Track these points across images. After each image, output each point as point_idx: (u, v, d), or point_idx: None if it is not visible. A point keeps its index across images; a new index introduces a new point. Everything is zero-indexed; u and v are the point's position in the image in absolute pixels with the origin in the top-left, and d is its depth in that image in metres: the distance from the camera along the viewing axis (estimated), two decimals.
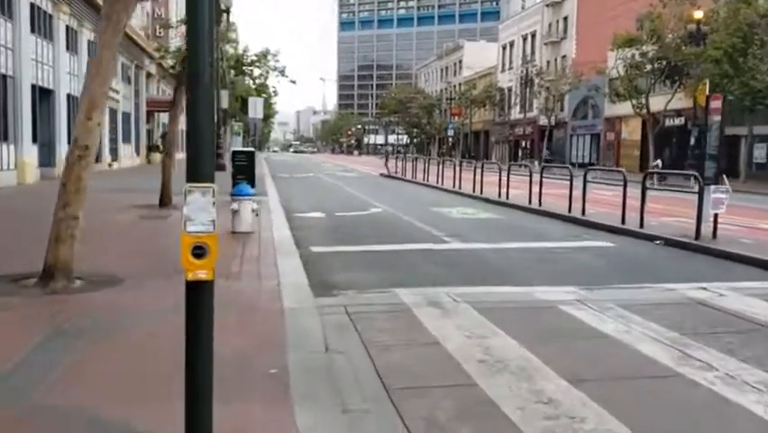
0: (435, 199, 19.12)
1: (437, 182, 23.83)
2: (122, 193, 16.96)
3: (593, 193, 14.62)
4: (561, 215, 14.08)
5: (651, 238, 10.85)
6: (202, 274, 2.86)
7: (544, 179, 15.80)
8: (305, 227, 12.05)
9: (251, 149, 14.36)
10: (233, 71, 45.71)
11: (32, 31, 19.03)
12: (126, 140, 34.19)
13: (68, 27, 22.48)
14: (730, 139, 36.16)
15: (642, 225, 11.51)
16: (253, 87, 47.96)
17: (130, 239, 9.86)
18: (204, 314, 2.87)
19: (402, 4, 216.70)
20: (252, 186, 14.21)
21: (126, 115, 34.19)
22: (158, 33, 39.92)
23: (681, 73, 37.01)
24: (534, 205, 15.54)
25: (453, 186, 21.72)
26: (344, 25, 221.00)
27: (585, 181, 13.98)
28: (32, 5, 18.88)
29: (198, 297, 2.87)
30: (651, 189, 13.05)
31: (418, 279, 7.52)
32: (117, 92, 31.92)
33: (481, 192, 19.14)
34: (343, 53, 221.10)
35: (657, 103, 38.49)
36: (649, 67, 37.90)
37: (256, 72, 47.03)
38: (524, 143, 65.05)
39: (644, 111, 38.41)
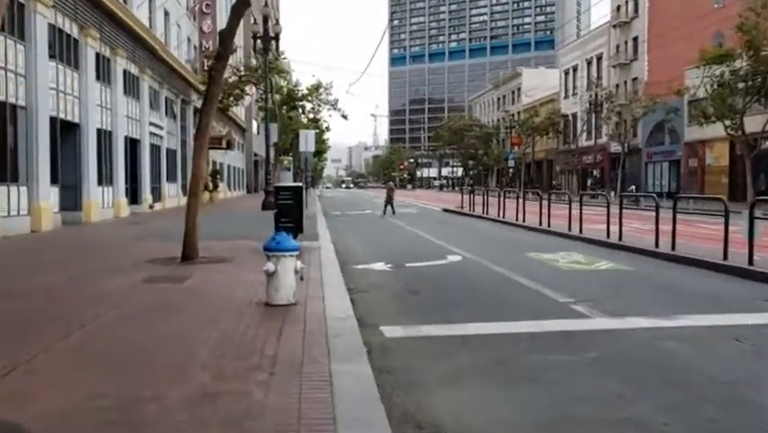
0: (523, 241, 15.65)
1: (516, 219, 20.33)
2: (146, 241, 14.14)
3: (707, 228, 10.84)
4: (710, 263, 10.43)
5: None
6: None
7: (626, 210, 12.29)
8: (368, 289, 8.82)
9: (298, 183, 11.24)
10: (284, 106, 43.70)
11: (52, 57, 16.70)
12: (171, 179, 31.99)
13: (98, 54, 20.22)
14: None
15: None
16: (305, 121, 45.86)
17: (106, 333, 6.79)
18: None
19: (453, 37, 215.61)
20: (299, 231, 11.13)
21: (171, 153, 32.07)
22: (205, 67, 38.03)
23: None
24: (664, 248, 11.92)
25: (540, 223, 18.20)
26: (395, 60, 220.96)
27: (674, 212, 10.31)
28: (53, 27, 16.59)
29: None
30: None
31: (590, 416, 4.11)
32: (161, 127, 29.86)
33: (580, 231, 15.56)
34: (395, 88, 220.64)
35: (752, 124, 34.15)
36: (741, 85, 33.66)
37: (308, 106, 45.03)
38: (594, 172, 60.71)
39: (739, 133, 34.00)
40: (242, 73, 32.10)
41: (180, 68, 32.26)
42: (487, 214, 23.69)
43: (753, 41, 31.15)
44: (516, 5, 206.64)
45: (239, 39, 49.89)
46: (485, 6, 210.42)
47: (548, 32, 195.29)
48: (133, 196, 24.21)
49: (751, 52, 31.92)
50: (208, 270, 9.47)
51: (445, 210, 30.03)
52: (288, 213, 11.27)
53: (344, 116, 39.36)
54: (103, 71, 20.92)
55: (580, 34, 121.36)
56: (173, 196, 32.00)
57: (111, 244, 13.72)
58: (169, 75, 30.38)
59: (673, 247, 11.68)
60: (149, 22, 26.68)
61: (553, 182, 68.41)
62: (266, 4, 28.28)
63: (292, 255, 6.80)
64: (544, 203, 19.22)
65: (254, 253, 11.53)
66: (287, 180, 23.76)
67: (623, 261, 11.38)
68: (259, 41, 28.79)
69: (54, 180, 16.88)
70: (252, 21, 29.71)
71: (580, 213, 16.15)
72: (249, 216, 24.02)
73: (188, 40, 37.14)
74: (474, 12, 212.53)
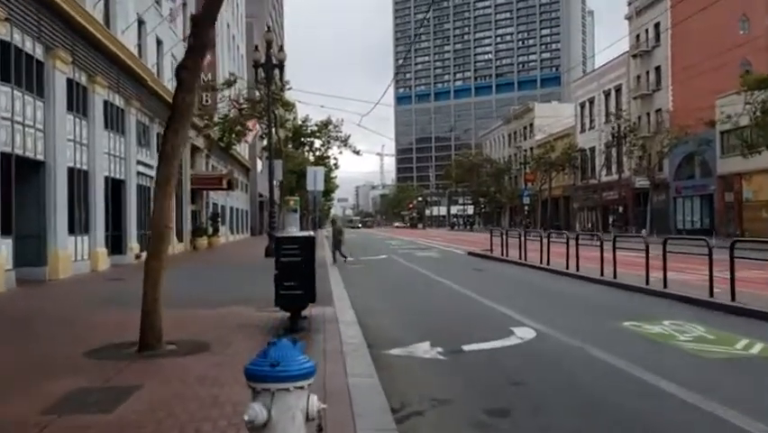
0: (597, 300, 12.30)
1: (567, 266, 16.95)
2: (111, 308, 10.85)
3: None
4: None
5: None
6: None
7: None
8: (424, 405, 5.47)
9: (309, 233, 7.92)
10: (290, 144, 40.91)
11: (5, 80, 13.71)
12: None
13: (70, 81, 17.25)
14: None
15: None
16: (312, 159, 43.01)
17: None
18: None
19: (459, 75, 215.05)
20: (310, 300, 7.89)
21: None
22: (204, 101, 35.27)
23: None
24: None
25: (602, 273, 14.82)
26: (401, 99, 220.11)
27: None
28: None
29: None
30: None
31: None
32: (151, 167, 26.81)
33: (665, 285, 12.18)
34: (401, 126, 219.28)
35: None
36: None
37: (317, 143, 42.22)
38: (618, 208, 57.32)
39: None
40: (244, 106, 29.22)
41: None
42: (525, 259, 20.31)
43: None
44: (521, 43, 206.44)
45: (239, 69, 47.35)
46: (489, 45, 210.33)
47: (554, 69, 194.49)
48: (116, 244, 20.98)
49: None
50: (169, 373, 6.15)
51: (471, 254, 26.62)
52: (294, 274, 7.99)
53: (356, 152, 36.52)
54: (77, 101, 17.92)
55: (586, 70, 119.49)
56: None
57: (59, 315, 10.43)
58: (161, 109, 27.43)
59: None
60: (138, 49, 23.86)
61: (564, 222, 65.11)
62: (268, 30, 25.49)
63: (301, 387, 3.49)
64: (588, 246, 16.20)
65: (248, 331, 8.23)
66: (293, 224, 20.57)
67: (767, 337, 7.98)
68: (261, 69, 25.95)
69: (6, 230, 13.67)
70: (254, 48, 26.91)
71: (647, 259, 12.90)
72: (250, 265, 20.77)
73: None
74: (479, 50, 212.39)
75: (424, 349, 7.72)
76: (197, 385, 5.63)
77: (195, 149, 35.64)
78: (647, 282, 12.90)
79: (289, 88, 34.38)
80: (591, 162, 62.26)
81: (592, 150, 61.98)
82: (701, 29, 47.99)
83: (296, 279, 7.96)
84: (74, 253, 17.39)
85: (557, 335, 8.54)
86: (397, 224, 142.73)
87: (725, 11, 46.79)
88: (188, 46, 7.33)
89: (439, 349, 7.69)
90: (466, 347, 7.81)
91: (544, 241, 18.98)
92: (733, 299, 10.11)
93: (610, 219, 58.32)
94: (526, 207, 68.53)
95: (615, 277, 14.24)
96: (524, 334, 8.62)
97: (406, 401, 5.55)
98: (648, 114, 53.20)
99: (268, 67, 25.47)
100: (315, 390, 4.33)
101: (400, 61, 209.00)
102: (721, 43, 43.39)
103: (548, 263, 18.40)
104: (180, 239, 31.93)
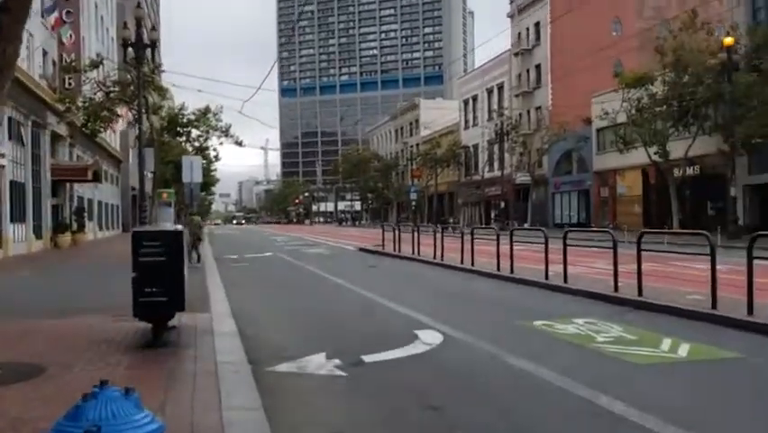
0: (500, 297, 11.61)
1: (462, 261, 16.30)
2: None
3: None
4: None
5: None
6: None
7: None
8: None
9: (176, 227, 6.40)
10: (165, 133, 38.05)
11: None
12: (18, 218, 25.61)
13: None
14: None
15: None
16: (191, 150, 40.27)
17: None
18: None
19: (345, 70, 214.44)
20: (178, 309, 6.47)
21: (18, 186, 25.79)
22: (67, 84, 31.92)
23: (699, 115, 31.34)
24: (730, 306, 8.18)
25: (498, 268, 14.23)
26: (286, 92, 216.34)
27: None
28: None
29: None
30: None
31: None
32: (2, 155, 23.67)
33: (565, 280, 11.67)
34: (286, 120, 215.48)
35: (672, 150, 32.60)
36: (658, 109, 32.06)
37: (194, 133, 39.54)
38: (501, 204, 58.62)
39: (665, 159, 32.22)
40: (111, 89, 26.46)
41: (31, 84, 26.19)
42: (418, 255, 19.55)
43: (681, 60, 29.47)
44: (405, 40, 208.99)
45: (109, 53, 43.48)
46: (374, 41, 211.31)
47: (437, 68, 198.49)
48: None
49: (681, 71, 30.23)
50: None
51: (363, 250, 25.62)
52: (157, 277, 6.51)
53: (239, 143, 34.36)
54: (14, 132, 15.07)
55: (467, 69, 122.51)
56: (21, 241, 25.63)
57: None
58: (14, 92, 24.27)
59: (750, 309, 7.91)
60: None
61: (449, 217, 66.02)
62: (138, 5, 23.11)
63: None
64: (481, 240, 15.78)
65: (99, 348, 6.65)
66: (167, 219, 18.59)
67: (692, 336, 7.44)
68: (131, 50, 23.48)
69: None
70: (123, 25, 24.37)
71: (546, 254, 12.45)
72: (116, 264, 18.47)
73: (44, 52, 30.96)
74: (364, 46, 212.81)
75: (318, 363, 6.49)
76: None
77: (56, 136, 32.22)
78: (546, 277, 12.39)
79: (162, 71, 31.76)
80: (475, 159, 63.41)
81: (476, 147, 63.11)
82: (578, 29, 49.93)
83: (159, 283, 6.47)
84: None
85: (466, 338, 7.61)
86: (268, 219, 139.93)
87: (599, 12, 48.99)
88: None
89: (336, 361, 6.50)
90: (367, 358, 6.67)
91: (438, 236, 18.27)
92: (640, 294, 9.65)
93: (492, 214, 59.62)
94: (413, 203, 68.85)
95: (512, 272, 13.67)
96: (430, 338, 7.60)
97: None
98: (529, 111, 54.73)
99: (138, 46, 23.10)
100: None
101: (285, 54, 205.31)
102: (596, 44, 45.17)
103: (442, 258, 17.71)
104: (39, 236, 28.66)
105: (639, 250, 9.71)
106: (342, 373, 6.09)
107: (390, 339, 7.59)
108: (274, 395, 5.37)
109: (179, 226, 7.15)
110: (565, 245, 11.97)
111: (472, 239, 16.25)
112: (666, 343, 6.97)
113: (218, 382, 5.39)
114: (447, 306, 10.59)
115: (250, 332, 8.07)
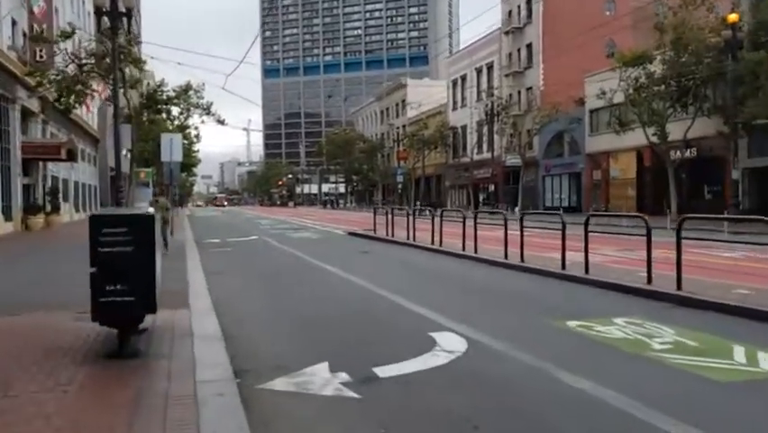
0: (519, 290, 10.42)
1: (464, 248, 15.11)
2: None
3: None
4: None
5: None
6: None
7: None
8: None
9: (145, 211, 5.00)
10: (145, 110, 36.32)
11: None
12: None
13: None
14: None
15: None
16: (171, 128, 38.53)
17: None
18: None
19: (328, 50, 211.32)
20: (148, 311, 5.22)
21: None
22: (39, 57, 30.05)
23: (698, 96, 30.35)
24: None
25: (506, 256, 13.05)
26: (269, 72, 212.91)
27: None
28: None
29: None
30: None
31: None
32: None
33: (586, 270, 10.52)
34: (269, 101, 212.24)
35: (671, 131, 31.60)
36: (656, 89, 30.99)
37: (174, 111, 37.81)
38: (490, 187, 57.52)
39: (663, 141, 31.20)
40: (85, 62, 24.76)
41: None
42: (414, 240, 18.34)
43: (682, 38, 28.36)
44: (390, 20, 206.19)
45: (85, 26, 41.48)
46: (359, 21, 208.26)
47: (422, 48, 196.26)
48: None
49: (672, 52, 29.18)
50: None
51: (352, 234, 24.33)
52: (121, 272, 5.22)
53: (221, 122, 32.70)
54: None
55: (452, 50, 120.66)
56: None
57: None
58: None
59: None
60: None
61: (437, 200, 64.96)
62: None
63: None
64: (482, 224, 14.69)
65: (52, 358, 5.35)
66: (143, 199, 17.15)
67: (766, 342, 6.30)
68: (105, 18, 21.81)
69: None
70: None
71: (563, 240, 11.31)
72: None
73: (14, 22, 29.07)
74: (348, 26, 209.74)
75: (322, 379, 5.26)
76: None
77: (27, 112, 30.42)
78: (563, 267, 11.23)
79: (139, 41, 30.01)
80: (463, 140, 62.18)
81: (464, 128, 61.86)
82: (571, 8, 48.68)
83: (124, 279, 5.19)
84: None
85: (494, 344, 6.41)
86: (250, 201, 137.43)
87: None
88: None
89: (343, 376, 5.28)
90: (380, 371, 5.45)
91: (437, 220, 17.06)
92: (679, 287, 8.52)
93: (481, 198, 58.55)
94: (399, 186, 67.62)
95: (522, 260, 12.51)
96: (450, 344, 6.40)
97: None
98: (519, 92, 53.48)
99: (113, 15, 21.44)
100: None
101: (267, 33, 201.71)
102: (589, 23, 43.97)
103: (441, 244, 16.51)
104: (8, 218, 27.02)
105: (679, 238, 8.55)
106: (354, 395, 4.87)
107: (402, 344, 6.38)
108: (269, 428, 4.16)
109: (151, 210, 5.84)
110: (586, 232, 10.80)
111: (475, 223, 15.05)
112: (739, 351, 5.82)
113: (198, 412, 4.16)
114: (459, 300, 9.41)
115: (235, 333, 6.83)
